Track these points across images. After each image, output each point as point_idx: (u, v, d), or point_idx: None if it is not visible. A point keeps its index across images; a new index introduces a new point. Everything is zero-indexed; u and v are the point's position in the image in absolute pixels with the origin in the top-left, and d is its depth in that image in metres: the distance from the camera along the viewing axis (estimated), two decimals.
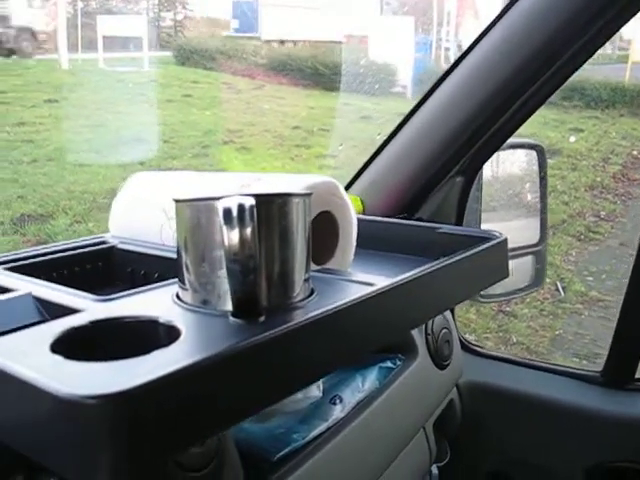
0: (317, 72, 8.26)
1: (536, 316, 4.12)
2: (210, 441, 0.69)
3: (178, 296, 0.61)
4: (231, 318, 0.55)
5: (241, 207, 0.51)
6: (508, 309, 4.13)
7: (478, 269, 0.86)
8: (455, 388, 1.32)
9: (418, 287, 0.71)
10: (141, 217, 0.86)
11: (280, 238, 0.57)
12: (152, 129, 6.43)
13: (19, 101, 7.26)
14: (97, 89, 7.87)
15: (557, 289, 4.40)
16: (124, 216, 0.88)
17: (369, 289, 0.63)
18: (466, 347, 1.40)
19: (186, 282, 0.59)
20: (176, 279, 0.65)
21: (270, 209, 0.56)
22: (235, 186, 0.76)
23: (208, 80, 8.31)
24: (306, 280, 0.61)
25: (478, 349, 1.44)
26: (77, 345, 0.51)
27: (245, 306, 0.54)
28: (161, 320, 0.55)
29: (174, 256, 0.77)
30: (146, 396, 0.42)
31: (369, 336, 0.65)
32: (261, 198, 0.54)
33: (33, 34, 9.91)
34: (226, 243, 0.52)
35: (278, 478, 0.82)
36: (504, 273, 0.91)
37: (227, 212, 0.51)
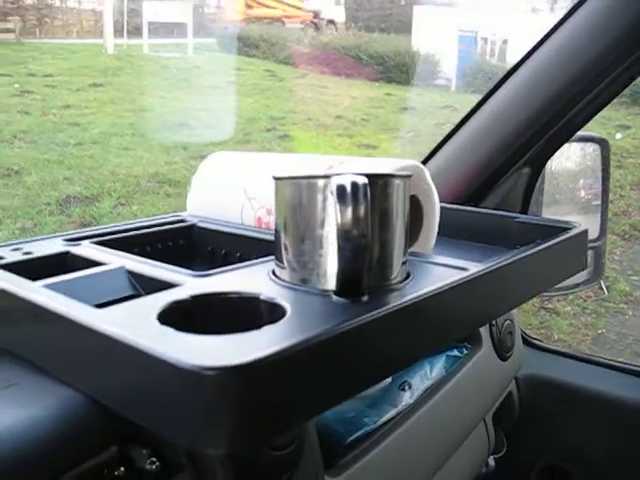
0: (360, 62, 8.23)
1: (579, 314, 4.06)
2: None
3: (275, 274, 0.61)
4: (334, 297, 0.54)
5: (355, 185, 0.51)
6: (550, 306, 4.08)
7: (559, 260, 0.85)
8: (514, 381, 1.31)
9: (509, 274, 0.70)
10: (220, 197, 0.86)
11: (384, 218, 0.57)
12: (195, 115, 6.46)
13: (65, 84, 7.35)
14: (141, 74, 7.94)
15: (601, 288, 4.34)
16: (202, 196, 0.89)
17: (464, 273, 0.63)
18: (526, 340, 1.39)
19: (284, 260, 0.59)
20: (268, 257, 0.66)
21: (377, 188, 0.56)
22: (321, 167, 0.76)
23: (251, 67, 8.33)
24: (404, 263, 0.60)
25: (537, 342, 1.43)
26: (179, 319, 0.51)
27: (350, 285, 0.53)
28: (262, 297, 0.55)
29: (256, 235, 0.78)
30: (267, 369, 0.43)
31: (461, 321, 0.65)
32: (371, 177, 0.53)
33: None
34: (339, 221, 0.51)
35: (350, 461, 0.82)
36: (581, 265, 0.90)
37: (341, 190, 0.51)
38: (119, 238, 0.77)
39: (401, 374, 0.98)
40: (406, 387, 0.95)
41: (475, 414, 1.14)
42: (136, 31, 9.53)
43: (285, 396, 0.44)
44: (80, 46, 9.32)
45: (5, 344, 0.61)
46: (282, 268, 0.60)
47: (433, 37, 8.26)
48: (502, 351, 1.18)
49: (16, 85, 7.36)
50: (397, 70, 7.90)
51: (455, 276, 0.62)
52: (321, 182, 0.56)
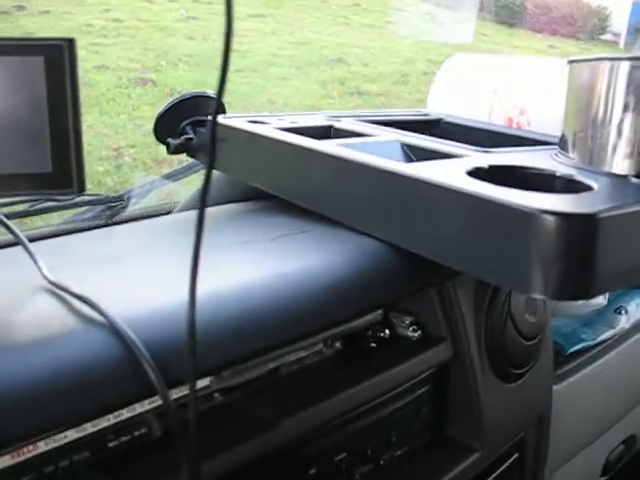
0: (525, 11, 7.91)
1: None
2: (540, 314, 0.70)
3: (558, 158, 0.61)
4: (633, 179, 0.54)
5: None
6: None
7: None
8: None
9: None
10: (466, 96, 0.86)
11: None
12: (352, 51, 6.44)
13: None
14: (301, 8, 7.96)
15: None
16: (445, 94, 0.89)
17: None
18: None
19: (573, 144, 0.59)
20: (543, 146, 0.65)
21: None
22: None
23: (410, 9, 8.18)
24: None
25: None
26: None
27: None
28: (559, 174, 0.55)
29: (508, 132, 0.78)
30: (607, 223, 0.43)
31: None
32: None
33: None
34: None
35: (571, 371, 0.82)
36: None
37: None
38: (373, 120, 0.79)
39: (616, 298, 0.96)
40: (622, 311, 0.94)
41: None
42: None
43: (617, 253, 0.44)
44: None
45: (293, 197, 0.64)
46: (567, 153, 0.59)
47: None
48: None
49: (182, 11, 7.56)
50: (563, 22, 7.54)
51: None
52: (626, 64, 0.54)
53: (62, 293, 0.45)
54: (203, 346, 0.40)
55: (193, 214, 0.76)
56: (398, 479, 0.62)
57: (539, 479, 0.77)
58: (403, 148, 0.65)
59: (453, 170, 0.52)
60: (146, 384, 0.39)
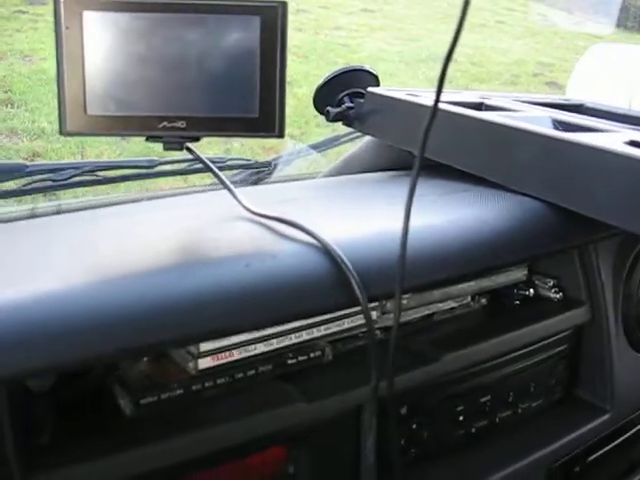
0: None
1: None
2: None
3: None
4: None
5: None
6: None
7: None
8: None
9: None
10: (607, 84, 0.89)
11: None
12: (462, 50, 6.42)
13: (337, 7, 7.56)
14: (412, 4, 7.98)
15: None
16: (586, 81, 0.93)
17: None
18: None
19: None
20: None
21: None
22: None
23: (523, 9, 8.09)
24: None
25: None
26: None
27: None
28: None
29: None
30: None
31: None
32: None
33: None
34: None
35: None
36: None
37: None
38: (519, 101, 0.83)
39: None
40: None
41: None
42: None
43: None
44: None
45: (453, 161, 0.69)
46: None
47: None
48: None
49: (292, 4, 7.72)
50: None
51: None
52: None
53: (267, 221, 0.52)
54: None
55: (343, 178, 0.83)
56: (532, 428, 0.67)
57: None
58: (554, 123, 0.69)
59: (610, 140, 0.57)
60: (350, 296, 0.45)
